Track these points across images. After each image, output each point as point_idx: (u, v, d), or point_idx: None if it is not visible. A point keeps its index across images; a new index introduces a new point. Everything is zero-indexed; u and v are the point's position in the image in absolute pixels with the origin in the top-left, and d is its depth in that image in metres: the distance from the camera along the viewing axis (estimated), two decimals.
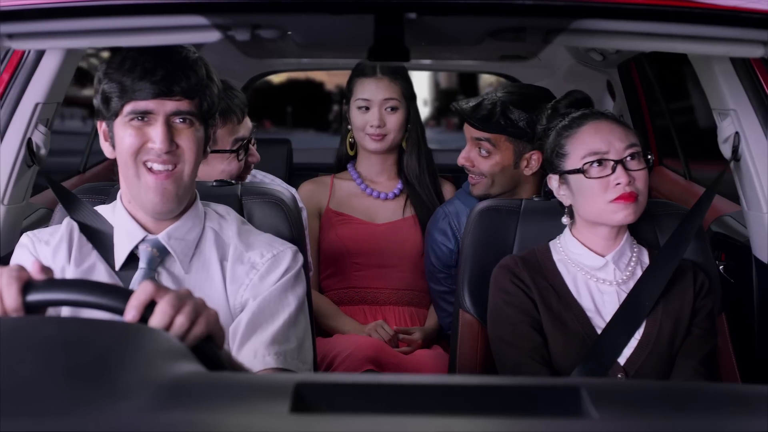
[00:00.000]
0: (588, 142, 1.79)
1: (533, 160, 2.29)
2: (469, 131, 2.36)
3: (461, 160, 2.38)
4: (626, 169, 1.76)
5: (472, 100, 2.38)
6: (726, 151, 1.99)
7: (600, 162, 1.77)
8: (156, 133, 1.54)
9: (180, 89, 1.54)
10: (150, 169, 1.56)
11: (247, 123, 2.25)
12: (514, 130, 2.30)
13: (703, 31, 1.48)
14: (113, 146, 1.60)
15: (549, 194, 1.96)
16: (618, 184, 1.75)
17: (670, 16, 1.43)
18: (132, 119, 1.55)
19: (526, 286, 1.82)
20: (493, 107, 2.31)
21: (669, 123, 3.36)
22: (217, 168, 2.17)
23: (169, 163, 1.55)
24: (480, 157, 2.34)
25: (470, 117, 2.33)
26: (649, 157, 1.81)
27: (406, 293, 2.55)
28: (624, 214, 1.77)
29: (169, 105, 1.54)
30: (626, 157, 1.77)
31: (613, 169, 1.76)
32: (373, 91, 2.55)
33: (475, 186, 2.38)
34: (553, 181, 1.87)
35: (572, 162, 1.81)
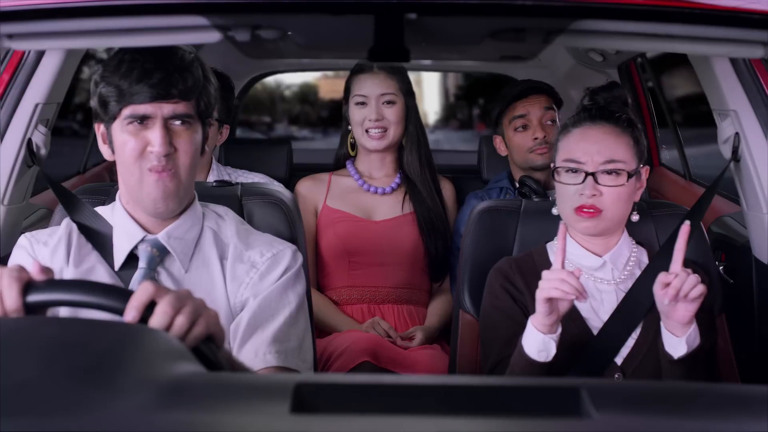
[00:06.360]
0: (571, 148, 1.79)
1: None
2: (539, 110, 2.68)
3: (539, 137, 2.64)
4: (597, 182, 1.75)
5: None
6: (726, 151, 1.99)
7: (575, 170, 1.77)
8: (155, 136, 1.53)
9: (177, 91, 1.54)
10: (150, 170, 1.56)
11: None
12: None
13: (703, 31, 1.48)
14: (112, 150, 1.60)
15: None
16: (582, 194, 1.75)
17: (670, 16, 1.43)
18: (130, 123, 1.55)
19: (518, 291, 1.82)
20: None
21: (669, 121, 3.36)
22: None
23: (168, 166, 1.55)
24: (550, 126, 2.66)
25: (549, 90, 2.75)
26: (634, 176, 1.78)
27: (404, 291, 2.54)
28: (584, 225, 1.78)
29: (167, 108, 1.54)
30: (601, 171, 1.76)
31: (584, 180, 1.76)
32: (369, 86, 2.57)
33: (544, 155, 2.64)
34: (552, 170, 1.88)
35: (557, 160, 1.82)
